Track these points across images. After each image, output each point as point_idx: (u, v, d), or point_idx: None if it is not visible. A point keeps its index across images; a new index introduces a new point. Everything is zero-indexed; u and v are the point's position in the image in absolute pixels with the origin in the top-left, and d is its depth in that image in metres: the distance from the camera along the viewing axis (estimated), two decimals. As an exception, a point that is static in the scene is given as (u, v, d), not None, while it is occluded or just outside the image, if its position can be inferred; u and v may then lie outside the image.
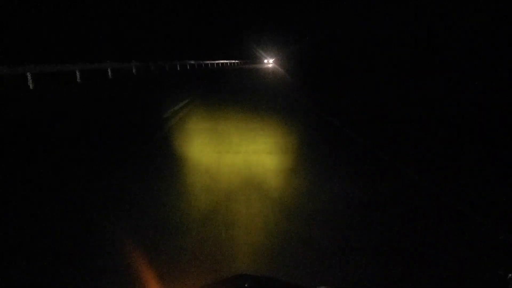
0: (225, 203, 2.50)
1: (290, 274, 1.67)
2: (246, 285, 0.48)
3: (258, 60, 68.55)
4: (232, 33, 66.44)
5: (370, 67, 10.12)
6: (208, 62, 39.34)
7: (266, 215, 2.30)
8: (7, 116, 6.61)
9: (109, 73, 15.51)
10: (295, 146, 4.19)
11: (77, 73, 13.68)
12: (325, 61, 17.54)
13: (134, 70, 17.63)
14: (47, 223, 2.21)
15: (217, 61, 43.67)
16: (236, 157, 3.65)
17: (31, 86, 11.11)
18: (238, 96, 9.97)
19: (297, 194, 2.70)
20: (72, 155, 3.78)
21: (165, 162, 3.52)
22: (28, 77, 11.07)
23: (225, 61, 47.62)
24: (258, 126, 5.23)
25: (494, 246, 1.88)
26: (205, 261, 1.76)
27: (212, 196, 2.63)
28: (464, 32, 5.77)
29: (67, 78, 13.19)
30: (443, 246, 1.92)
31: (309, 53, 30.47)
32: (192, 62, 32.01)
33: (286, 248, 1.88)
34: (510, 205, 2.34)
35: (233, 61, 51.50)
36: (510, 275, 0.44)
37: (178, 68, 26.08)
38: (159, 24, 31.60)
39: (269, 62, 63.81)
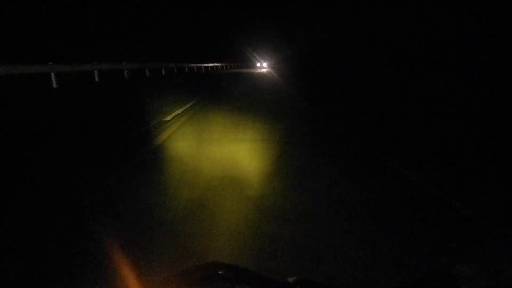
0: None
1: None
2: (220, 273, 0.49)
3: (250, 63, 62.19)
4: (221, 33, 60.19)
5: (372, 69, 11.84)
6: (193, 65, 33.11)
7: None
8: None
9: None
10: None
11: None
12: (326, 64, 17.09)
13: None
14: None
15: (205, 64, 37.47)
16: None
17: None
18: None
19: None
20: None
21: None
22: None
23: (216, 64, 41.37)
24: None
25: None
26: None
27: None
28: (463, 32, 8.11)
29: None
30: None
31: (308, 56, 26.23)
32: (172, 65, 25.85)
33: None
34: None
35: (221, 64, 45.18)
36: (455, 262, 0.38)
37: (147, 74, 19.81)
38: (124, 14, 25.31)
39: (263, 66, 57.67)
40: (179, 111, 6.70)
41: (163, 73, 23.27)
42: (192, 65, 32.82)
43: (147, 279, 0.50)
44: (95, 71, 13.77)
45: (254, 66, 58.19)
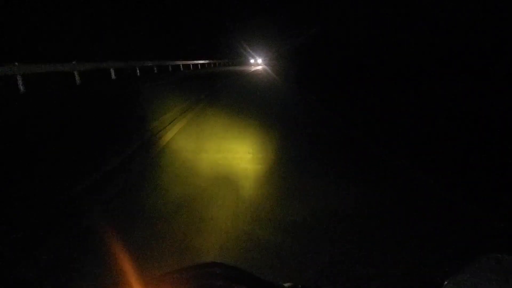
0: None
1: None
2: (219, 272, 0.48)
3: (244, 59, 57.39)
4: (213, 28, 55.49)
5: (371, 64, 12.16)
6: (179, 63, 28.60)
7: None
8: None
9: None
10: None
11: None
12: (324, 61, 16.58)
13: None
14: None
15: (194, 62, 32.97)
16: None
17: None
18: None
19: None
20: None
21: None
22: None
23: (206, 62, 36.79)
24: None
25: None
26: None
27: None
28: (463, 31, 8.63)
29: None
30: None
31: (305, 52, 24.93)
32: (150, 64, 21.41)
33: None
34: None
35: (212, 61, 40.53)
36: (446, 282, 0.42)
37: (113, 76, 15.32)
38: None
39: (257, 63, 53.10)
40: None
41: (138, 74, 18.76)
42: (178, 62, 28.30)
43: (145, 276, 0.46)
44: (18, 76, 9.28)
45: (247, 63, 53.50)
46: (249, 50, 56.67)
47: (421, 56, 11.79)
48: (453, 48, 11.01)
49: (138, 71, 18.82)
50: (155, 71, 22.08)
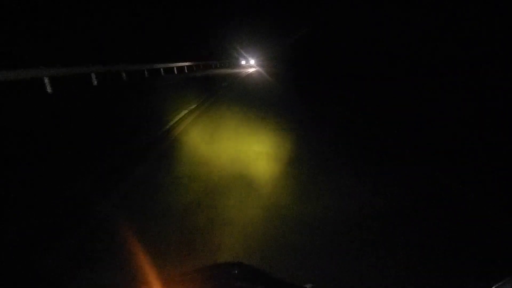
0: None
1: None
2: (239, 273, 0.47)
3: (235, 61, 52.43)
4: (197, 25, 50.72)
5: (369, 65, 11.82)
6: (161, 66, 23.80)
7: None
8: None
9: None
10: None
11: None
12: (322, 61, 17.15)
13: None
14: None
15: (179, 64, 28.27)
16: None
17: None
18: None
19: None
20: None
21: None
22: None
23: (188, 63, 31.96)
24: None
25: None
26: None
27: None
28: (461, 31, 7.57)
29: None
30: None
31: (300, 51, 23.95)
32: (133, 67, 16.61)
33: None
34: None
35: (196, 63, 35.60)
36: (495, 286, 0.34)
37: (48, 90, 10.41)
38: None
39: (250, 65, 48.32)
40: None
41: (95, 83, 13.93)
42: (160, 66, 23.48)
43: (164, 274, 0.45)
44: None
45: (239, 65, 48.65)
46: (241, 51, 51.86)
47: (415, 55, 11.26)
48: (450, 48, 10.45)
49: (94, 79, 13.96)
50: (124, 78, 17.27)
